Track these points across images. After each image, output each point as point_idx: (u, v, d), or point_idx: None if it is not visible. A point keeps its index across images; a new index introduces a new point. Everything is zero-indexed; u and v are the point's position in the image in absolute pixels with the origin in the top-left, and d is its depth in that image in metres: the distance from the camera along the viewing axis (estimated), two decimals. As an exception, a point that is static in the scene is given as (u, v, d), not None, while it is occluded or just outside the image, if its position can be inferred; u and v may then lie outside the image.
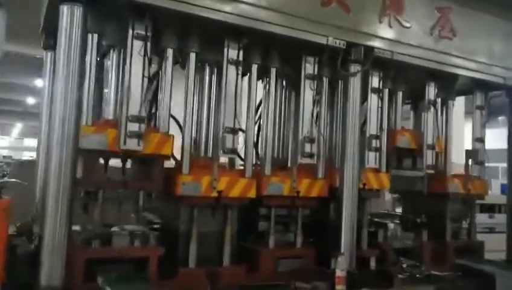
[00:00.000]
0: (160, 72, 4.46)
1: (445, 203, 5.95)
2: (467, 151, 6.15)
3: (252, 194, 4.52)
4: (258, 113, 5.28)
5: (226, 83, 4.46)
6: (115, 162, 4.22)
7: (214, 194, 4.32)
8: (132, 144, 3.93)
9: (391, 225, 5.71)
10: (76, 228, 4.24)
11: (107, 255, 3.92)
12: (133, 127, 3.93)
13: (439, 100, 5.88)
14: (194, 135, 4.77)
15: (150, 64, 4.12)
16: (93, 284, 3.76)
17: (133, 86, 3.96)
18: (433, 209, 5.96)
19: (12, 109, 29.41)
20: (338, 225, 4.82)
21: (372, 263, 5.22)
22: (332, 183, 5.05)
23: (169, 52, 4.30)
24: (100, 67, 4.51)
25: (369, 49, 4.91)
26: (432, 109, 5.72)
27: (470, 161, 6.01)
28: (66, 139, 3.56)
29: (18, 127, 41.06)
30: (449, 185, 5.87)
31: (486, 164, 6.26)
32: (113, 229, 4.28)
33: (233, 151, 4.44)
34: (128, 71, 3.98)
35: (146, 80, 4.03)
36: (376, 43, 4.96)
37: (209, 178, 4.30)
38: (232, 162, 5.20)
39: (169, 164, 4.80)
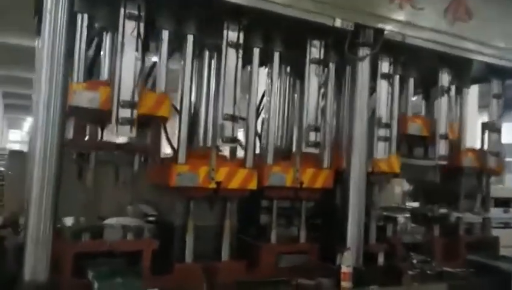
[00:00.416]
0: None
1: (459, 179, 5.63)
2: (483, 123, 5.82)
3: (252, 185, 4.27)
4: (263, 101, 5.06)
5: (225, 67, 4.19)
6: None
7: (212, 185, 4.07)
8: (124, 131, 3.69)
9: (401, 219, 5.43)
10: (67, 219, 4.07)
11: (97, 249, 3.70)
12: (125, 113, 3.69)
13: (453, 87, 5.55)
14: (191, 123, 4.50)
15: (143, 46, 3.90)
16: (84, 280, 3.56)
17: (125, 69, 3.72)
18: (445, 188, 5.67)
19: (23, 103, 29.48)
20: (344, 215, 4.56)
21: (380, 259, 4.96)
22: (338, 167, 4.78)
23: (165, 34, 4.05)
24: (95, 57, 4.30)
25: (379, 32, 4.61)
26: (446, 96, 5.40)
27: (486, 132, 5.68)
28: (52, 124, 3.33)
29: (29, 121, 41.33)
30: (463, 159, 5.55)
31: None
32: (105, 221, 4.10)
33: (233, 140, 4.18)
34: (120, 53, 3.74)
35: (139, 62, 3.78)
36: (386, 26, 4.66)
37: (206, 168, 4.05)
38: (233, 152, 4.94)
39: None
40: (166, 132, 4.21)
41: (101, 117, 3.74)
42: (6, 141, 41.08)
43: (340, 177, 4.74)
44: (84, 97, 3.55)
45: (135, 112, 3.72)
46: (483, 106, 6.58)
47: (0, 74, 19.37)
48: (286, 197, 4.68)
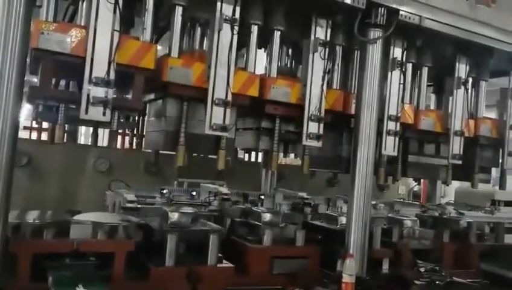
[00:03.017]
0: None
1: (474, 148, 5.16)
2: (501, 89, 5.35)
3: (253, 91, 3.82)
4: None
5: (218, 45, 3.66)
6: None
7: (207, 85, 3.60)
8: (96, 114, 3.16)
9: (408, 222, 4.92)
10: (31, 213, 3.56)
11: (60, 249, 3.18)
12: (98, 92, 3.16)
13: (470, 80, 5.03)
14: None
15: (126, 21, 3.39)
16: (45, 285, 3.04)
17: (99, 40, 3.18)
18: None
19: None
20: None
21: (385, 266, 4.46)
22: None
23: (150, 3, 3.52)
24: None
25: (393, 12, 4.08)
26: (462, 88, 4.88)
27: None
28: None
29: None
30: (480, 127, 5.08)
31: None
32: (75, 216, 3.59)
33: (224, 128, 3.66)
34: (94, 22, 3.20)
35: (117, 34, 3.24)
36: (402, 6, 4.12)
37: (202, 66, 3.62)
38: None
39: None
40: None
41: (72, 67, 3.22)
42: None
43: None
44: (53, 40, 3.06)
45: (110, 91, 3.20)
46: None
47: None
48: (290, 116, 4.18)
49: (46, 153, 5.06)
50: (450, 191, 8.65)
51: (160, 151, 4.29)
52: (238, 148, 4.75)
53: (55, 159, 5.10)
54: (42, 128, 5.33)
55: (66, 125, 5.32)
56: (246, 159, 6.63)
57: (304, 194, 4.49)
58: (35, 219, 3.32)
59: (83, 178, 5.21)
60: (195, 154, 4.15)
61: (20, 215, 3.48)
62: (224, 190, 3.91)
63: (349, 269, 3.69)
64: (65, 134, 5.16)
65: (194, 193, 4.19)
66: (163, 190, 3.90)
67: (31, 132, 5.54)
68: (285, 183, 6.22)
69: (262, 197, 4.62)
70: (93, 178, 5.26)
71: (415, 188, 8.56)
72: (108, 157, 5.35)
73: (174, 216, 3.74)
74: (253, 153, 6.45)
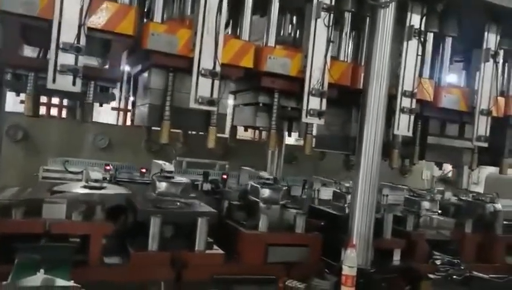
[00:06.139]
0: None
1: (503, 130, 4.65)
2: None
3: (247, 62, 3.46)
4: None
5: (205, 7, 3.29)
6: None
7: (194, 54, 3.26)
8: (64, 83, 2.89)
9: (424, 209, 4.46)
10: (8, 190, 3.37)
11: (28, 230, 2.96)
12: (67, 59, 2.88)
13: (501, 52, 4.45)
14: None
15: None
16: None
17: (68, 1, 2.88)
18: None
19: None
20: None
21: (396, 257, 4.06)
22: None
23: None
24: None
25: (409, -29, 3.60)
26: (491, 61, 4.32)
27: None
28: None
29: None
30: (510, 106, 4.55)
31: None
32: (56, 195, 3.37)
33: (211, 102, 3.31)
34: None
35: (88, -5, 2.94)
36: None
37: (189, 32, 3.26)
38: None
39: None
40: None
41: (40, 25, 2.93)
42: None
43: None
44: (17, 0, 2.79)
45: (81, 58, 2.91)
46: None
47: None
48: (290, 91, 3.78)
49: (43, 129, 4.89)
50: (484, 177, 8.06)
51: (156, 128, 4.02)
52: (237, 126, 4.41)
53: (53, 135, 4.92)
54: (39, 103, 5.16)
55: (66, 101, 5.23)
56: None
57: (266, 174, 4.11)
58: (5, 197, 3.11)
59: (81, 154, 5.02)
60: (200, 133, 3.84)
61: (-4, 193, 3.30)
62: (169, 167, 3.58)
63: (350, 260, 3.34)
64: (63, 109, 5.08)
65: (144, 171, 3.88)
66: (107, 165, 3.60)
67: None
68: (296, 165, 5.86)
69: (225, 176, 4.26)
70: (92, 155, 5.06)
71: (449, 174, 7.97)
72: (108, 133, 5.13)
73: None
74: (263, 133, 6.13)
